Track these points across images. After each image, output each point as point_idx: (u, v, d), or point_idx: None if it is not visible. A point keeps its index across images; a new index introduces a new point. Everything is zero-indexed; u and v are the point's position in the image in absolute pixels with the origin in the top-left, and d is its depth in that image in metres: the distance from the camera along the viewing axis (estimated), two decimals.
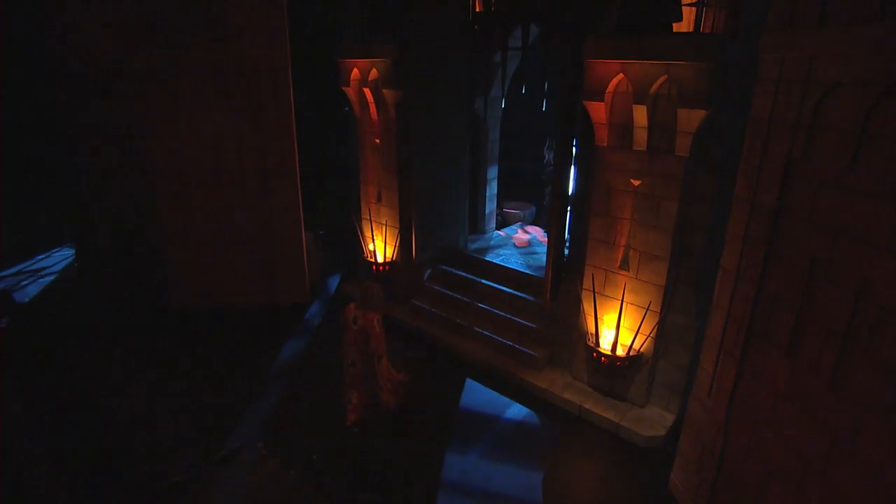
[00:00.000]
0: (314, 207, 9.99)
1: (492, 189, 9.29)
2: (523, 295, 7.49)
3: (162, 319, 8.19)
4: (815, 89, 3.27)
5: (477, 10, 6.90)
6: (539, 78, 7.36)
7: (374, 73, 7.39)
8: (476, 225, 9.34)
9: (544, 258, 8.30)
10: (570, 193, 6.71)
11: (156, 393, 6.42)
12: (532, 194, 10.93)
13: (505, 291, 7.66)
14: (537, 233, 9.60)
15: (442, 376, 6.90)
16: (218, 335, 7.76)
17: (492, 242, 9.11)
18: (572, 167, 6.59)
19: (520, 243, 9.12)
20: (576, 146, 6.42)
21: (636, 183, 5.48)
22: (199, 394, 6.40)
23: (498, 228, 9.88)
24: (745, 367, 4.15)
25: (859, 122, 2.95)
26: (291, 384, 6.63)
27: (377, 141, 7.96)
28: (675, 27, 5.05)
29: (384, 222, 8.29)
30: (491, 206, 9.44)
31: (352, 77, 7.66)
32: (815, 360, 3.38)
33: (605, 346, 6.06)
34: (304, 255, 8.43)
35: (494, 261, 8.24)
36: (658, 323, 5.72)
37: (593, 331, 6.13)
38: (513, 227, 10.01)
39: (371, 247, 8.53)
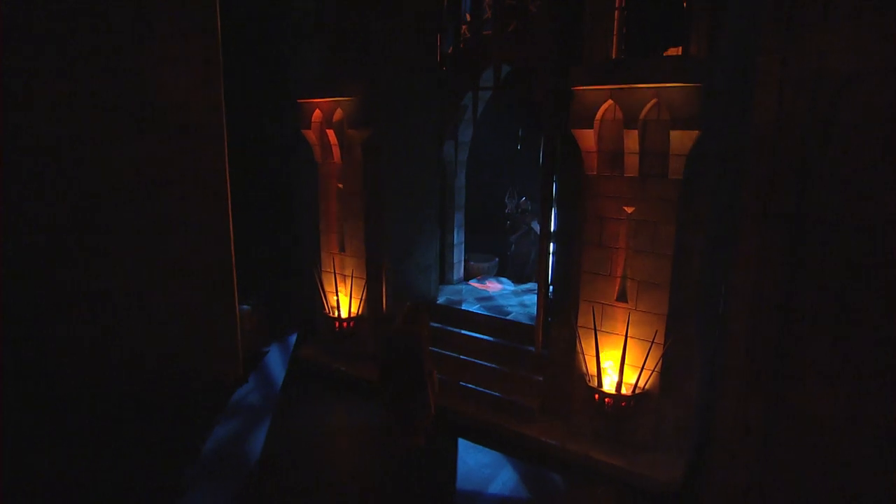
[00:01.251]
0: (256, 263, 9.38)
1: (459, 237, 9.20)
2: (510, 343, 7.23)
3: (48, 404, 6.86)
4: (829, 84, 3.46)
5: (449, 51, 7.08)
6: (508, 119, 7.56)
7: (338, 114, 7.28)
8: (443, 275, 9.12)
9: (518, 308, 8.19)
10: (552, 230, 6.71)
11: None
12: (495, 245, 10.94)
13: (489, 341, 7.36)
14: (496, 288, 9.50)
15: (428, 439, 6.34)
16: (128, 420, 6.62)
17: (462, 294, 8.89)
18: (552, 205, 6.64)
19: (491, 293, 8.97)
20: (555, 181, 6.51)
21: (629, 210, 5.57)
22: (103, 495, 5.33)
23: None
24: (779, 399, 3.95)
25: (891, 109, 3.13)
26: (224, 475, 5.71)
27: (340, 186, 7.72)
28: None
29: (348, 273, 7.88)
30: (458, 255, 9.31)
31: (313, 118, 7.50)
32: (871, 382, 3.19)
33: (608, 386, 5.86)
34: (238, 320, 7.60)
35: (471, 309, 7.99)
36: (662, 356, 5.63)
37: (594, 371, 5.93)
38: (475, 279, 9.88)
39: (333, 301, 8.04)
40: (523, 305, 8.44)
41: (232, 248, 7.25)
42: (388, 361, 5.02)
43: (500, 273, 10.55)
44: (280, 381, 7.79)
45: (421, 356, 4.90)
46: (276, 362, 8.37)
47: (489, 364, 7.08)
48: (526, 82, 6.44)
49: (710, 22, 4.87)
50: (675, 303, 5.62)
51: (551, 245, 6.78)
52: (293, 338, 9.15)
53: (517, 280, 9.84)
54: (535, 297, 8.68)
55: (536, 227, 9.62)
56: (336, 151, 7.53)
